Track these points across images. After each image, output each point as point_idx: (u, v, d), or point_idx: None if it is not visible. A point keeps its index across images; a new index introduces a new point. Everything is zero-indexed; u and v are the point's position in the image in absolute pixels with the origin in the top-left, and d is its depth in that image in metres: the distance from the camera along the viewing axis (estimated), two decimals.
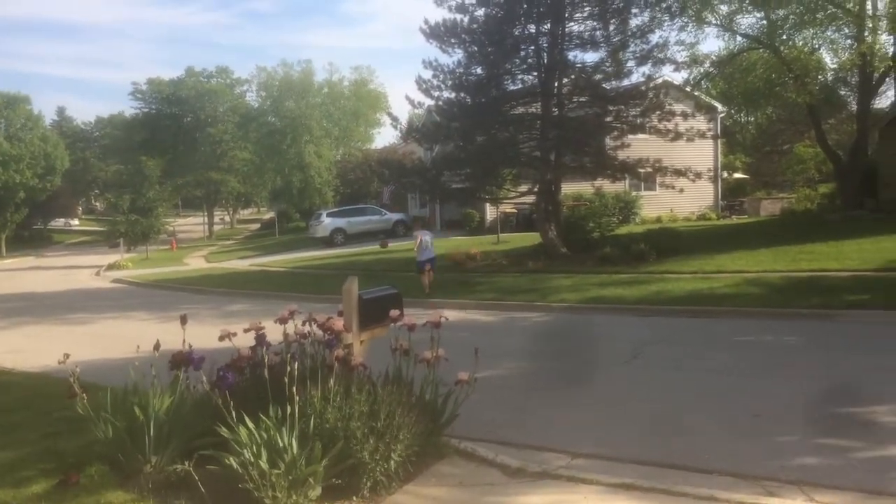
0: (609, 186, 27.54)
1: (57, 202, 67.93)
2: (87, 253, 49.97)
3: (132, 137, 67.85)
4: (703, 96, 30.88)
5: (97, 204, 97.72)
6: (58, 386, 7.33)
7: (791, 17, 24.47)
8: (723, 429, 6.47)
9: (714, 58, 29.06)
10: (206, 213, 71.20)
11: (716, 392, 7.78)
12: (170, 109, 67.90)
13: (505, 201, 25.60)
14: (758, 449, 5.88)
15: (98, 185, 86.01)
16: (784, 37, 25.46)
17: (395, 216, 39.06)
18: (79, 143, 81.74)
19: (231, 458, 4.67)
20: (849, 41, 25.92)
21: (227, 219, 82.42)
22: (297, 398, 4.95)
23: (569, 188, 27.44)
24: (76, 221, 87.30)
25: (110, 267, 35.18)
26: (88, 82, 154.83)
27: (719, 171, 33.01)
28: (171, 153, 64.78)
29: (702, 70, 29.16)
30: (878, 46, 23.70)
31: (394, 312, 5.83)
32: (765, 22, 25.45)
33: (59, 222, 79.02)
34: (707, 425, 6.62)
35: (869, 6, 23.95)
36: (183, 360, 5.40)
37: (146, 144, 63.38)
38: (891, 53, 24.36)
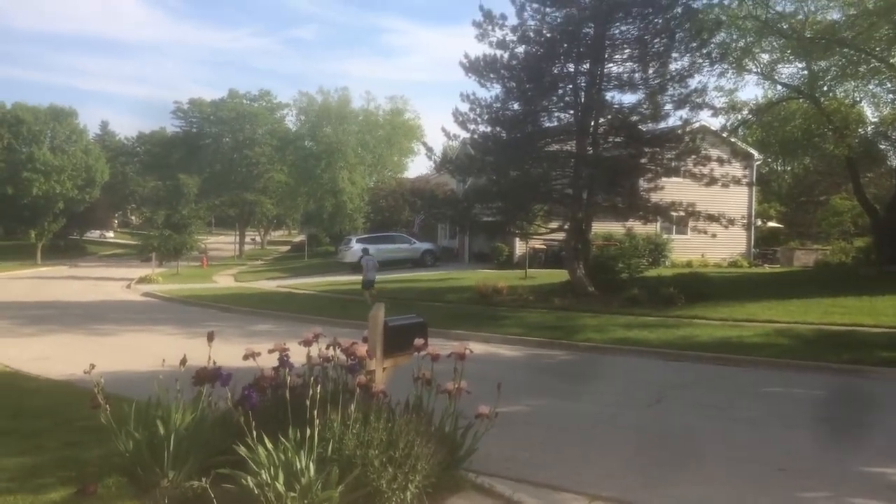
0: (640, 228, 27.37)
1: (94, 214, 69.28)
2: (119, 265, 50.75)
3: (171, 154, 69.26)
4: (739, 143, 30.69)
5: (133, 218, 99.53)
6: (82, 395, 7.39)
7: (833, 68, 24.36)
8: (746, 481, 6.32)
9: (753, 105, 29.00)
10: (237, 233, 72.06)
11: (740, 442, 7.62)
12: (210, 129, 69.23)
13: (534, 237, 25.56)
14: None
15: (135, 200, 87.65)
16: (825, 88, 25.34)
17: (423, 245, 39.16)
18: (120, 157, 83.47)
19: (248, 478, 4.67)
20: (891, 95, 25.75)
21: (259, 239, 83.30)
22: (317, 422, 4.95)
23: (599, 227, 27.34)
24: (111, 234, 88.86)
25: (141, 280, 35.67)
26: (132, 99, 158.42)
27: (753, 218, 32.65)
28: (208, 172, 65.92)
29: (739, 117, 29.06)
30: None
31: (418, 341, 5.82)
32: (806, 72, 25.36)
33: (94, 234, 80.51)
34: (730, 476, 6.47)
35: None
36: (207, 377, 5.44)
37: (184, 162, 64.66)
38: None
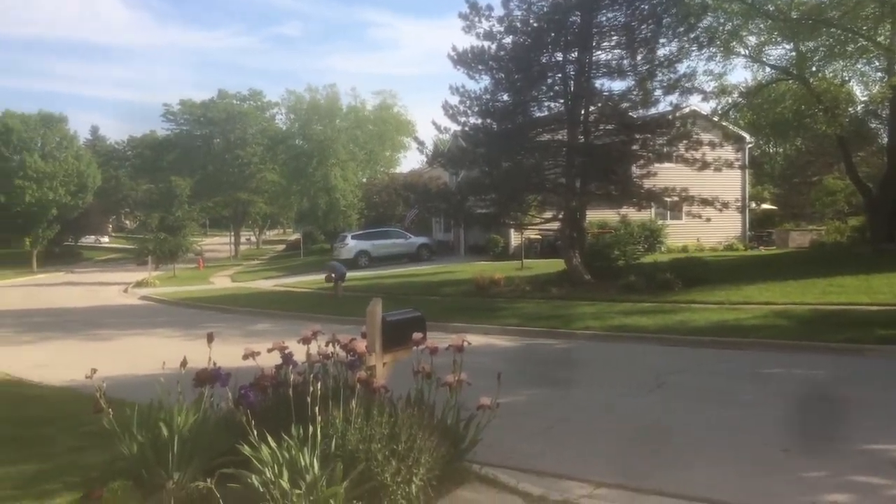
0: (635, 215, 27.49)
1: (88, 219, 69.05)
2: (115, 270, 50.65)
3: (163, 157, 69.09)
4: (730, 126, 30.73)
5: (127, 222, 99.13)
6: (84, 400, 7.41)
7: (821, 48, 24.40)
8: (751, 463, 6.36)
9: (742, 88, 28.97)
10: (232, 233, 71.98)
11: (743, 425, 7.66)
12: (200, 130, 69.09)
13: (529, 227, 25.61)
14: (787, 484, 5.78)
15: (129, 204, 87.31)
16: (814, 68, 25.36)
17: (419, 240, 39.18)
18: (111, 161, 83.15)
19: (253, 477, 4.69)
20: (879, 74, 25.79)
21: (254, 239, 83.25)
22: (319, 418, 4.97)
23: (594, 216, 27.43)
24: (106, 239, 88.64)
25: (138, 284, 35.65)
26: (121, 103, 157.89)
27: (747, 201, 32.74)
28: (200, 173, 65.76)
29: (730, 100, 29.06)
30: None
31: (417, 335, 5.84)
32: (794, 53, 25.39)
33: (89, 239, 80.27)
34: (734, 459, 6.51)
35: None
36: (208, 378, 5.46)
37: (176, 164, 64.50)
38: None
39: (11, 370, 12.22)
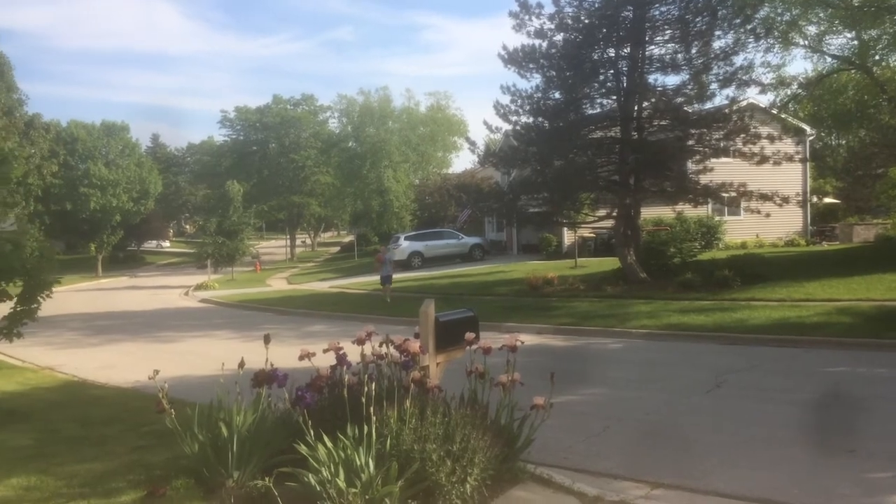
0: (691, 211, 26.94)
1: (150, 225, 70.98)
2: (176, 274, 52.01)
3: (220, 163, 70.68)
4: (790, 119, 29.93)
5: (187, 227, 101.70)
6: (147, 401, 7.63)
7: (884, 37, 23.59)
8: (814, 464, 6.19)
9: (802, 79, 28.25)
10: (288, 236, 73.12)
11: (805, 425, 7.46)
12: (256, 136, 70.41)
13: (583, 226, 25.37)
14: (851, 486, 5.60)
15: (188, 209, 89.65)
16: (877, 57, 24.58)
17: (471, 240, 39.16)
18: (171, 168, 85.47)
19: (309, 476, 4.77)
20: None
21: (309, 241, 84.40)
22: (373, 418, 5.02)
23: (649, 213, 27.00)
24: (167, 243, 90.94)
25: (198, 287, 36.50)
26: (180, 110, 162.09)
27: (808, 195, 31.81)
28: (256, 178, 67.04)
29: (789, 92, 28.36)
30: None
31: (469, 335, 5.85)
32: (856, 42, 24.63)
33: (151, 244, 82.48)
34: (796, 459, 6.35)
35: None
36: (265, 379, 5.58)
37: (233, 169, 65.84)
38: None
39: (79, 371, 12.66)
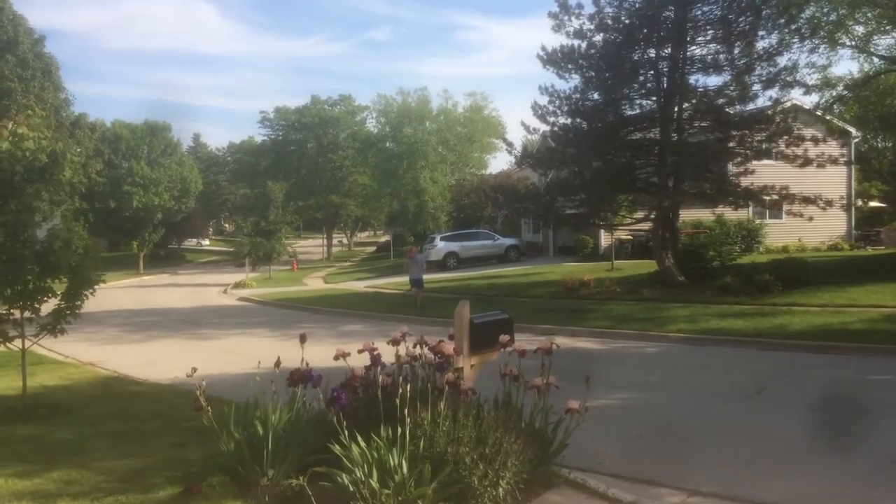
0: (731, 214, 26.50)
1: (190, 223, 72.15)
2: (215, 272, 52.72)
3: (260, 162, 71.52)
4: (835, 120, 29.27)
5: (226, 225, 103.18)
6: (186, 397, 7.74)
7: None
8: (855, 474, 6.04)
9: (848, 80, 27.61)
10: (325, 236, 73.71)
11: (848, 434, 7.28)
12: (295, 136, 71.09)
13: (620, 228, 25.13)
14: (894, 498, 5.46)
15: (227, 208, 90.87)
16: None
17: (507, 241, 39.03)
18: (212, 167, 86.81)
19: (343, 476, 4.79)
20: None
21: (345, 241, 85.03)
22: (407, 420, 5.02)
23: (687, 215, 26.65)
24: (207, 241, 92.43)
25: (236, 285, 36.98)
26: (221, 110, 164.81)
27: (853, 199, 31.07)
28: (294, 177, 67.69)
29: (834, 93, 27.75)
30: None
31: (504, 337, 5.82)
32: None
33: (191, 242, 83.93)
34: (837, 469, 6.20)
35: None
36: (301, 378, 5.62)
37: (272, 169, 66.65)
38: None
39: (120, 367, 12.90)
